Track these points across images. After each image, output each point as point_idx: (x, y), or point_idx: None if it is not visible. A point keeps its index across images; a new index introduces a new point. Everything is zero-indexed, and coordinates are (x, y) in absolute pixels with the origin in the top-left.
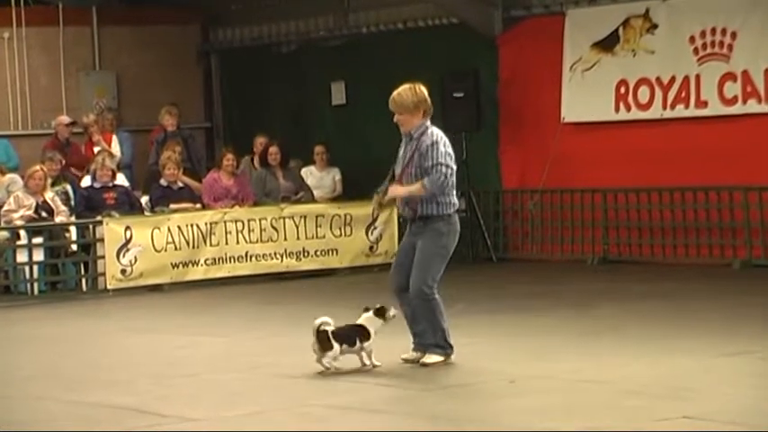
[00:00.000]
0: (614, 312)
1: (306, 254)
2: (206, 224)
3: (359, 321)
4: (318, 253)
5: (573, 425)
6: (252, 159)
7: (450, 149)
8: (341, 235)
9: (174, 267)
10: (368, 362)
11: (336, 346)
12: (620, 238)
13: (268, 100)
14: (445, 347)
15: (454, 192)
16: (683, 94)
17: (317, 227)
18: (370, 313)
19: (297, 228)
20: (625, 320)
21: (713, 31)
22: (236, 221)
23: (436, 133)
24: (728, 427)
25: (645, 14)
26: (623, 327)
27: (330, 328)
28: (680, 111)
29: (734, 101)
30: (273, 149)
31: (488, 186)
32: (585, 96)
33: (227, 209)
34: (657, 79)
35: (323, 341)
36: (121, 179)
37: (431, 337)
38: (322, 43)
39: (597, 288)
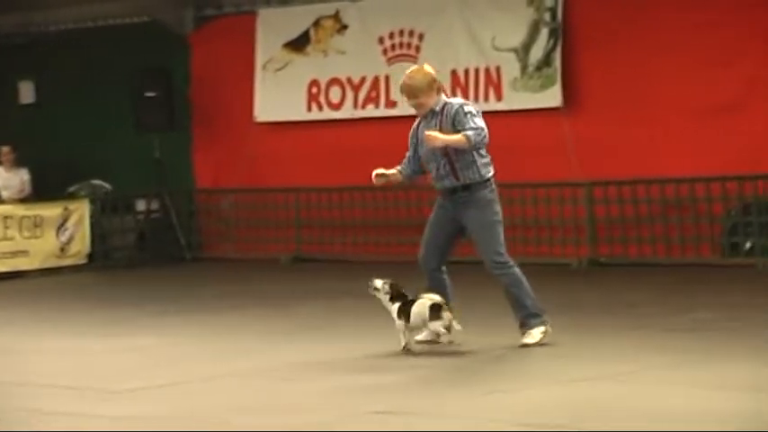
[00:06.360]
0: (311, 311)
1: None
2: None
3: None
4: (8, 255)
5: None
6: None
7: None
8: (31, 237)
9: None
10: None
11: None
12: (313, 236)
13: None
14: (542, 313)
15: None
16: (374, 94)
17: (5, 228)
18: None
19: None
20: (324, 318)
21: (401, 32)
22: None
23: (459, 101)
24: None
25: (335, 15)
26: (322, 325)
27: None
28: (371, 110)
29: None
30: None
31: (182, 186)
32: (278, 96)
33: None
34: (348, 79)
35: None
36: None
37: (528, 307)
38: (4, 41)
39: (294, 287)
